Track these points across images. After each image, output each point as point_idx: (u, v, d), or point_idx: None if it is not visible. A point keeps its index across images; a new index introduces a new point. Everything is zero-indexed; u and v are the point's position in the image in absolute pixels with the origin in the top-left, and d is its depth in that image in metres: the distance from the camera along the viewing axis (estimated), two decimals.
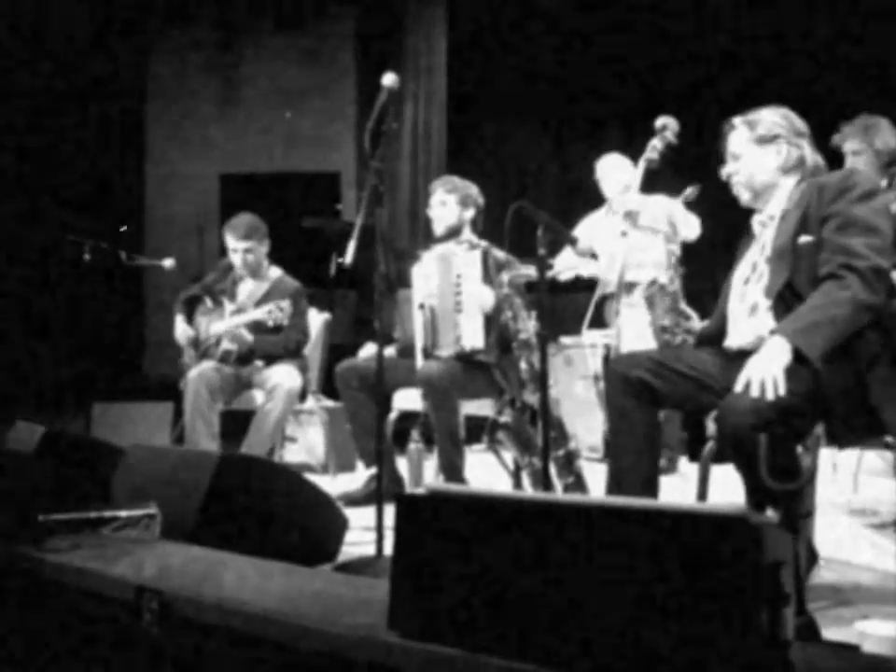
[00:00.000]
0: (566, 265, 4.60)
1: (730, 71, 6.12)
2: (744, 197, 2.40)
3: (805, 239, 2.20)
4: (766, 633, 1.11)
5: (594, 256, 4.65)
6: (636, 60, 6.47)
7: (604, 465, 4.11)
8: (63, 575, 1.85)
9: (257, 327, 3.94)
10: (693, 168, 3.88)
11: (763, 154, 2.33)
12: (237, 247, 4.10)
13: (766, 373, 1.96)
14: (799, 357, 2.00)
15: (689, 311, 2.53)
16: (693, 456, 4.36)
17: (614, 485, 2.34)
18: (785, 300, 2.20)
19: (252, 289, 4.20)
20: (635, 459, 2.31)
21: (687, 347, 2.46)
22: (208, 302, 4.20)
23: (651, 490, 2.34)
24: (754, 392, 1.94)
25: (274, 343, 4.03)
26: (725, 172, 2.41)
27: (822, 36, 5.88)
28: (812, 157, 2.34)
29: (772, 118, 2.35)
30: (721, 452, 2.48)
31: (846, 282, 2.06)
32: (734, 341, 2.38)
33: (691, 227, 4.29)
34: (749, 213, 2.49)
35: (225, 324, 4.02)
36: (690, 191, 3.94)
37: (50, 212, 6.41)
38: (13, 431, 2.96)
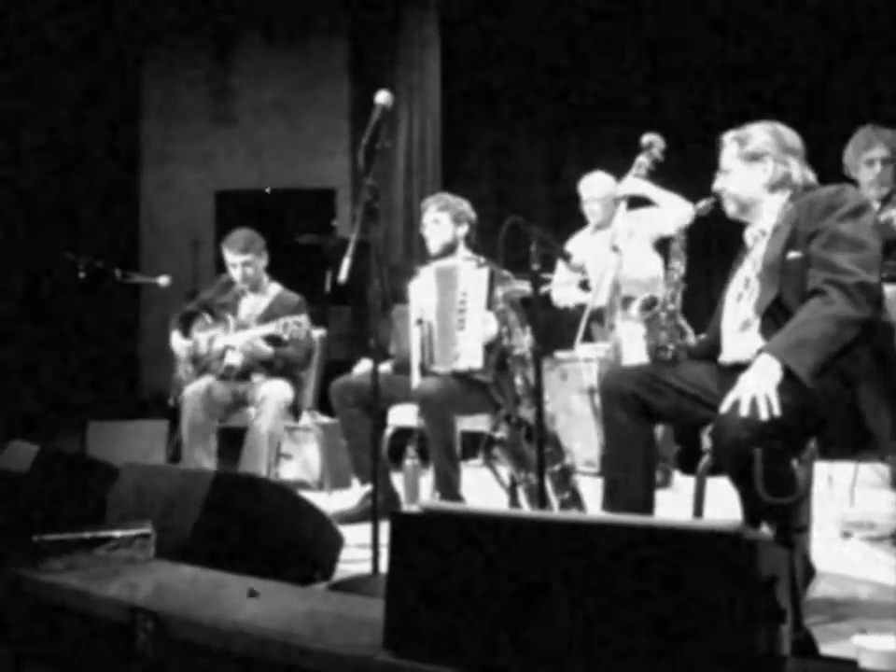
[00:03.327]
0: (561, 281, 4.59)
1: (731, 85, 6.12)
2: (730, 209, 2.44)
3: (793, 255, 2.22)
4: (762, 649, 1.11)
5: (584, 273, 4.64)
6: (632, 75, 6.49)
7: (600, 479, 4.11)
8: (57, 595, 1.84)
9: (271, 341, 3.94)
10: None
11: (750, 171, 2.36)
12: (236, 261, 4.11)
13: (758, 392, 1.95)
14: (789, 375, 1.99)
15: (686, 327, 2.53)
16: (685, 469, 4.36)
17: (609, 500, 2.34)
18: (774, 316, 2.21)
19: (253, 305, 4.20)
20: (630, 474, 2.32)
21: (681, 362, 2.46)
22: (207, 318, 4.19)
23: (647, 504, 2.34)
24: (743, 411, 1.94)
25: (294, 355, 4.03)
26: (715, 186, 2.46)
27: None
28: (801, 173, 2.35)
29: (761, 135, 2.37)
30: (716, 465, 2.48)
31: (829, 297, 2.06)
32: (727, 357, 2.38)
33: (667, 219, 3.76)
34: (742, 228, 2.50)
35: (233, 339, 4.01)
36: (703, 205, 3.85)
37: (44, 229, 6.40)
38: (8, 450, 2.95)
